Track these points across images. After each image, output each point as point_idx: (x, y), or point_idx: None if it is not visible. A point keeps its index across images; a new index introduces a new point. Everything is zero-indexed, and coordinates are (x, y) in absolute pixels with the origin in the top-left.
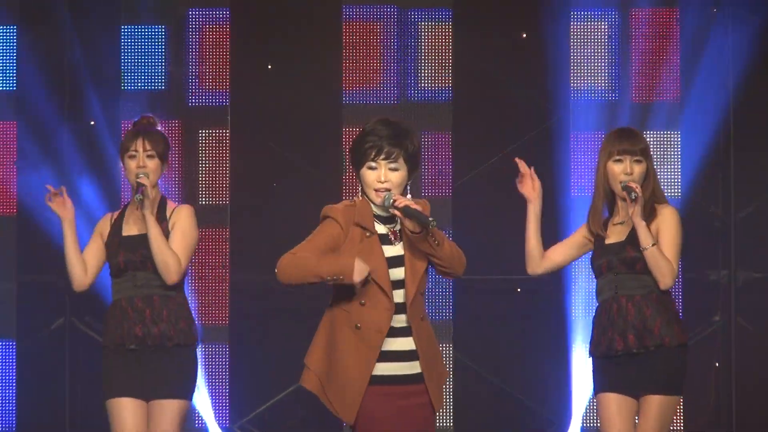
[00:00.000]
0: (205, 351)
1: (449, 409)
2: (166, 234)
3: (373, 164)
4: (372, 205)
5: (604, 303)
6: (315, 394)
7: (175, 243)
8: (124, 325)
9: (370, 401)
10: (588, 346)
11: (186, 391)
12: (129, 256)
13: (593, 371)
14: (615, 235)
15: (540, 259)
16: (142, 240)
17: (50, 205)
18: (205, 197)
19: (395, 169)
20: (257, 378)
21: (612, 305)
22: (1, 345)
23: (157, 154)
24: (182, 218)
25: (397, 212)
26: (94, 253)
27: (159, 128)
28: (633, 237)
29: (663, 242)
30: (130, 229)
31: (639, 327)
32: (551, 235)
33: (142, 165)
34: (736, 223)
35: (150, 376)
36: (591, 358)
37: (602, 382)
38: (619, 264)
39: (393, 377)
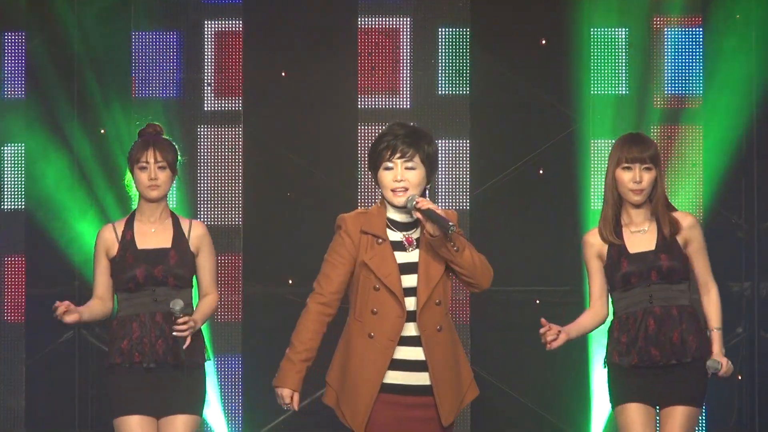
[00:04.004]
0: (218, 364)
1: (467, 422)
2: (186, 251)
3: (390, 164)
4: (389, 210)
5: (634, 313)
6: (333, 409)
7: (207, 277)
8: (144, 340)
9: (377, 409)
10: (608, 355)
11: (198, 408)
12: (150, 270)
13: (612, 381)
14: (639, 244)
15: (599, 315)
16: (162, 254)
17: (63, 319)
18: (219, 207)
19: (412, 168)
20: (271, 391)
21: (645, 315)
22: (11, 358)
23: (169, 165)
24: (205, 244)
25: (418, 214)
26: (106, 275)
27: (165, 136)
28: (664, 245)
29: (700, 261)
30: (145, 243)
31: (677, 340)
32: (570, 247)
33: (153, 177)
34: (759, 234)
35: (163, 392)
36: (609, 368)
37: (625, 392)
38: (653, 274)
39: (399, 386)
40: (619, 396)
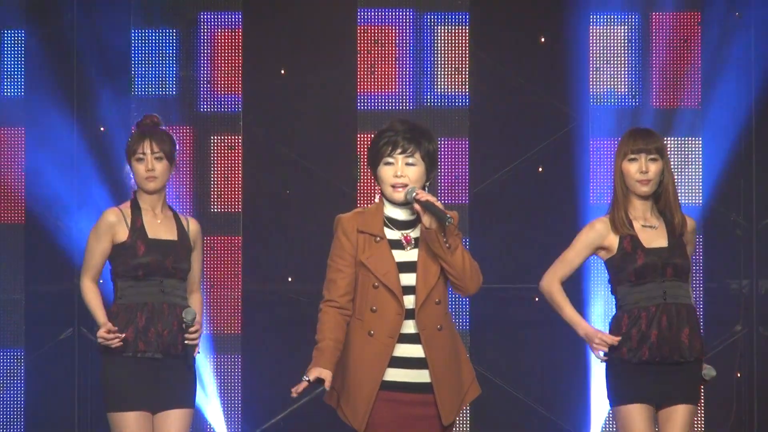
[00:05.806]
0: (217, 361)
1: (466, 419)
2: (188, 246)
3: (390, 159)
4: (387, 208)
5: (646, 308)
6: (334, 408)
7: (196, 274)
8: (151, 330)
9: (378, 407)
10: (613, 349)
11: (193, 400)
12: (160, 260)
13: (615, 378)
14: (653, 239)
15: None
16: (171, 246)
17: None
18: (218, 205)
19: (412, 164)
20: (270, 388)
21: (658, 311)
22: (10, 355)
23: (165, 155)
24: (199, 242)
25: (417, 206)
26: (105, 258)
27: (163, 127)
28: (676, 243)
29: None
30: (156, 233)
31: (685, 338)
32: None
33: (150, 168)
34: (758, 232)
35: (162, 386)
36: (611, 363)
37: (629, 392)
38: (669, 270)
39: (399, 384)
40: (623, 395)
